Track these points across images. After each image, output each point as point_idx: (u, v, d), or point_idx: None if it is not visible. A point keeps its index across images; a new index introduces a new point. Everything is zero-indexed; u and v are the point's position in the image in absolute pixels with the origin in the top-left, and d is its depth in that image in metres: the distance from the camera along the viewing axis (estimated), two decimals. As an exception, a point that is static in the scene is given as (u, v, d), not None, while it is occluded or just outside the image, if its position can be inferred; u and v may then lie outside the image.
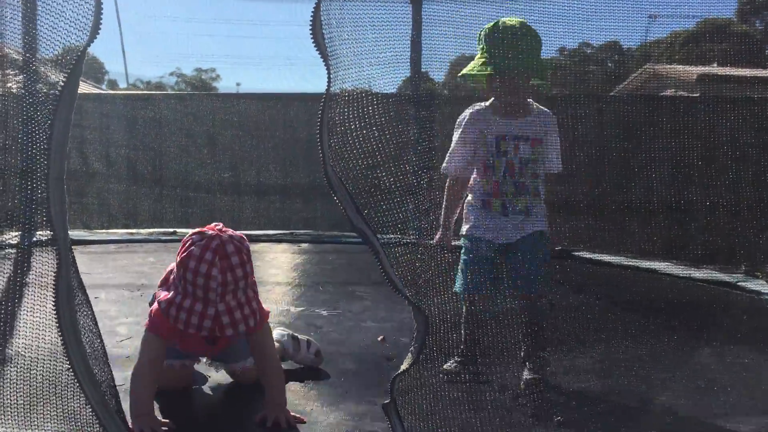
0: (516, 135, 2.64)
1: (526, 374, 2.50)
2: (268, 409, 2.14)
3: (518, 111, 2.66)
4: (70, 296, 1.47)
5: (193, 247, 2.01)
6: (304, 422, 2.13)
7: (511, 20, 2.55)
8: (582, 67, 3.15)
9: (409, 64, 2.84)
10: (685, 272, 4.18)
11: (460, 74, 2.61)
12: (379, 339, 3.03)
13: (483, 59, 2.55)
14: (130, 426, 1.91)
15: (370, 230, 1.61)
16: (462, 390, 2.03)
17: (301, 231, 6.11)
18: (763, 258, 4.27)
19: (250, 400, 2.30)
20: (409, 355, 1.70)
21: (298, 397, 2.36)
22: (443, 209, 2.69)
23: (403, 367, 1.70)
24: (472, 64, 2.58)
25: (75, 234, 5.76)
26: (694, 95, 5.50)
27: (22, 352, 1.74)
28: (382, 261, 1.63)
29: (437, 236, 2.66)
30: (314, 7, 1.59)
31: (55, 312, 1.44)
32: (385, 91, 1.90)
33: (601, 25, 2.75)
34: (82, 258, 5.04)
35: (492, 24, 2.53)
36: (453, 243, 2.70)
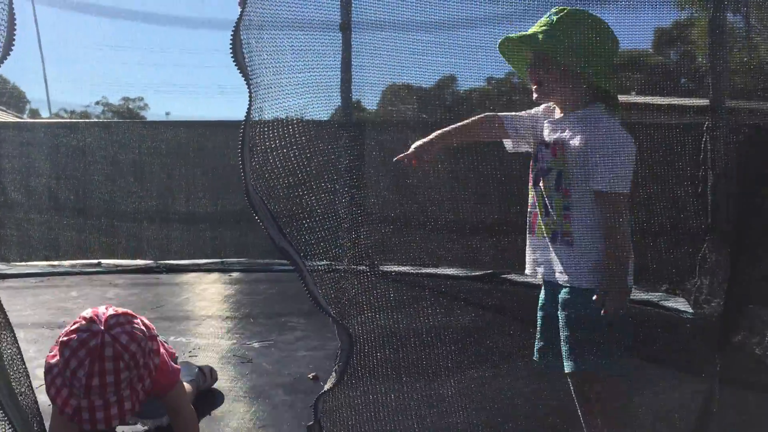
0: (543, 139, 2.20)
1: None
2: None
3: (560, 106, 2.22)
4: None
5: (74, 336, 1.93)
6: None
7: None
8: (509, 96, 3.21)
9: (334, 89, 2.85)
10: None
11: (500, 43, 2.19)
12: (310, 376, 2.97)
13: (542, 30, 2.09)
14: None
15: (293, 249, 1.60)
16: (389, 408, 2.02)
17: (232, 260, 6.01)
18: (682, 277, 4.42)
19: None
20: (333, 374, 1.70)
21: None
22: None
23: (327, 386, 1.69)
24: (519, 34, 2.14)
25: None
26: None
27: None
28: (305, 279, 1.62)
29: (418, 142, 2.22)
30: (233, 30, 1.59)
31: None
32: (309, 115, 1.91)
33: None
34: (-1, 293, 4.85)
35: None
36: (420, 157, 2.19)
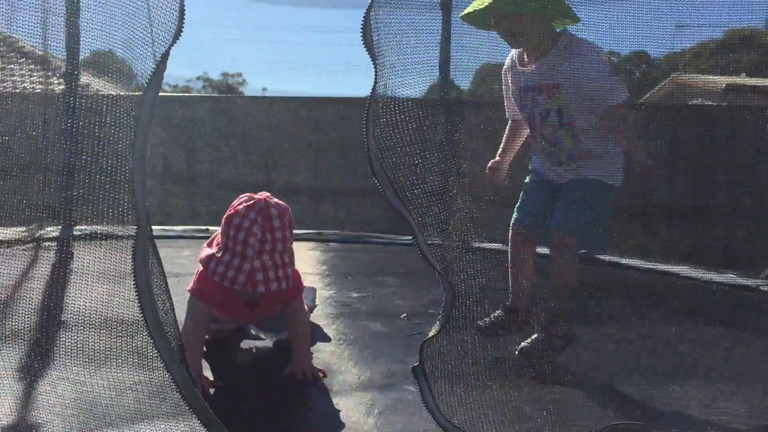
0: (531, 86, 2.43)
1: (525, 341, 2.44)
2: (296, 364, 2.41)
3: (533, 57, 2.44)
4: (145, 259, 1.68)
5: (240, 206, 2.23)
6: (326, 376, 2.39)
7: None
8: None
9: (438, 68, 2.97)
10: (706, 276, 4.27)
11: (461, 15, 2.35)
12: (402, 316, 3.22)
13: None
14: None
15: (406, 210, 1.79)
16: (487, 356, 2.20)
17: (329, 231, 6.25)
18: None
19: (285, 360, 2.51)
20: (437, 322, 1.88)
21: (332, 357, 2.63)
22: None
23: (432, 333, 1.87)
24: (474, 3, 2.33)
25: (110, 230, 5.93)
26: (722, 104, 5.56)
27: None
28: (416, 237, 1.80)
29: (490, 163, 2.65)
30: (365, 12, 1.78)
31: (132, 272, 1.65)
32: (420, 92, 2.08)
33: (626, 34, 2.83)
34: (117, 253, 5.16)
35: None
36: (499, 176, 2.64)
